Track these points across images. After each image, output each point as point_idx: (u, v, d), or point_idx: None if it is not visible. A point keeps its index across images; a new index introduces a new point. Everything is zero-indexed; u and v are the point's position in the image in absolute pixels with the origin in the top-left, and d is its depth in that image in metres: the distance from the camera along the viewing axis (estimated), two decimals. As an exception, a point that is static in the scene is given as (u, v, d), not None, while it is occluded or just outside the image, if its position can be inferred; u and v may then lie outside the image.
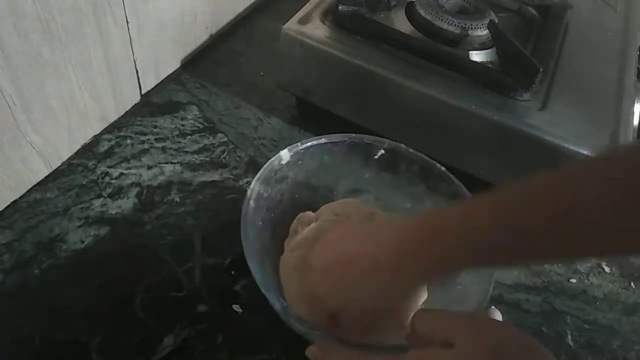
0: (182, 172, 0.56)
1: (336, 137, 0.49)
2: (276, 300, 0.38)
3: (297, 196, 0.50)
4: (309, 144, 0.48)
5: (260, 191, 0.45)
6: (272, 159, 0.46)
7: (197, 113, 0.63)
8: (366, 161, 0.51)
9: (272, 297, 0.38)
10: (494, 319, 0.37)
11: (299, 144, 0.48)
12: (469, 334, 0.31)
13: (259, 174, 0.45)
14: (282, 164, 0.47)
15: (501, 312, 0.44)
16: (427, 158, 0.48)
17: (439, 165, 0.48)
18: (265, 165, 0.46)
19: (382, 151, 0.50)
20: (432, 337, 0.32)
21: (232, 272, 0.49)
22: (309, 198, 0.51)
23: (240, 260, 0.50)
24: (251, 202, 0.43)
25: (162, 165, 0.57)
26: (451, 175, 0.47)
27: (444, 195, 0.47)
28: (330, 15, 0.59)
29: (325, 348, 0.37)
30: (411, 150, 0.49)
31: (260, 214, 0.45)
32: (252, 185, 0.44)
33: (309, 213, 0.49)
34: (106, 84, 0.56)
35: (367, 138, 0.50)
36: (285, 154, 0.47)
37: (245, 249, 0.40)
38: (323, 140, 0.49)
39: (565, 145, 0.49)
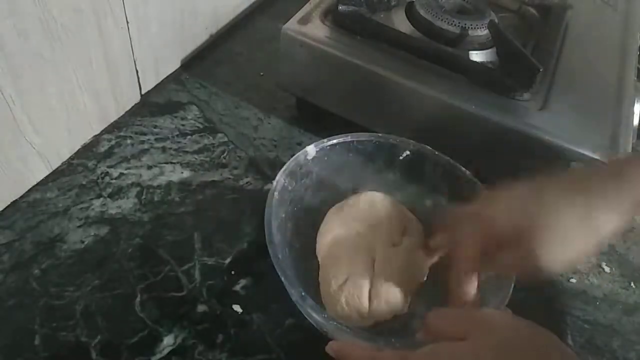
0: (182, 172, 0.57)
1: (362, 136, 0.50)
2: (295, 290, 0.38)
3: (320, 192, 0.50)
4: (334, 140, 0.49)
5: (285, 184, 0.45)
6: (299, 153, 0.47)
7: (197, 113, 0.63)
8: (391, 161, 0.51)
9: (291, 287, 0.38)
10: (508, 314, 0.37)
11: (325, 140, 0.49)
12: (482, 327, 0.32)
13: (284, 167, 0.46)
14: (307, 159, 0.48)
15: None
16: (452, 162, 0.49)
17: (463, 168, 0.48)
18: (291, 159, 0.47)
19: (407, 152, 0.50)
20: (446, 333, 0.33)
21: (232, 272, 0.49)
22: (332, 195, 0.51)
23: (241, 260, 0.50)
24: (275, 194, 0.44)
25: (162, 165, 0.57)
26: (474, 179, 0.47)
27: (466, 197, 0.47)
28: (330, 15, 0.59)
29: (344, 340, 0.37)
30: (436, 153, 0.49)
31: (284, 206, 0.45)
32: (277, 178, 0.45)
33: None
34: (106, 84, 0.56)
35: (392, 138, 0.50)
36: (311, 149, 0.48)
37: (268, 239, 0.40)
38: (349, 138, 0.49)
39: (565, 145, 0.49)
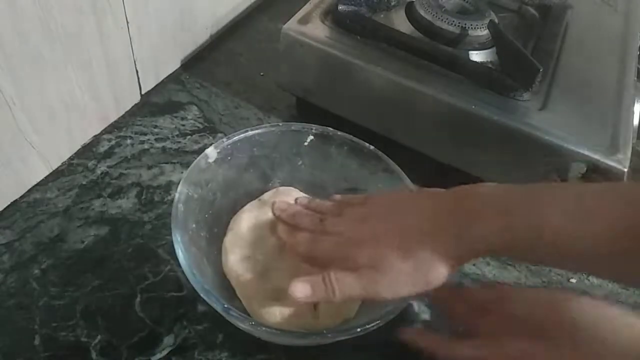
0: (182, 172, 0.56)
1: (262, 128, 0.49)
2: (217, 302, 0.37)
3: (231, 193, 0.49)
4: (234, 138, 0.47)
5: (190, 193, 0.43)
6: (198, 157, 0.46)
7: (197, 113, 0.63)
8: (298, 148, 0.51)
9: (213, 300, 0.37)
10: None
11: (224, 139, 0.47)
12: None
13: (184, 175, 0.44)
14: (209, 162, 0.46)
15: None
16: (355, 139, 0.49)
17: (367, 144, 0.49)
18: (191, 166, 0.45)
19: (312, 137, 0.50)
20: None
21: (232, 272, 0.49)
22: (244, 193, 0.50)
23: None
24: (180, 205, 0.42)
25: (162, 165, 0.57)
26: (380, 152, 0.48)
27: (375, 171, 0.48)
28: (330, 15, 0.59)
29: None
30: (339, 133, 0.50)
31: (193, 216, 0.44)
32: (178, 189, 0.43)
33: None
34: (106, 84, 0.56)
35: (294, 126, 0.50)
36: (211, 152, 0.46)
37: (178, 253, 0.39)
38: (249, 133, 0.48)
39: (565, 145, 0.49)
